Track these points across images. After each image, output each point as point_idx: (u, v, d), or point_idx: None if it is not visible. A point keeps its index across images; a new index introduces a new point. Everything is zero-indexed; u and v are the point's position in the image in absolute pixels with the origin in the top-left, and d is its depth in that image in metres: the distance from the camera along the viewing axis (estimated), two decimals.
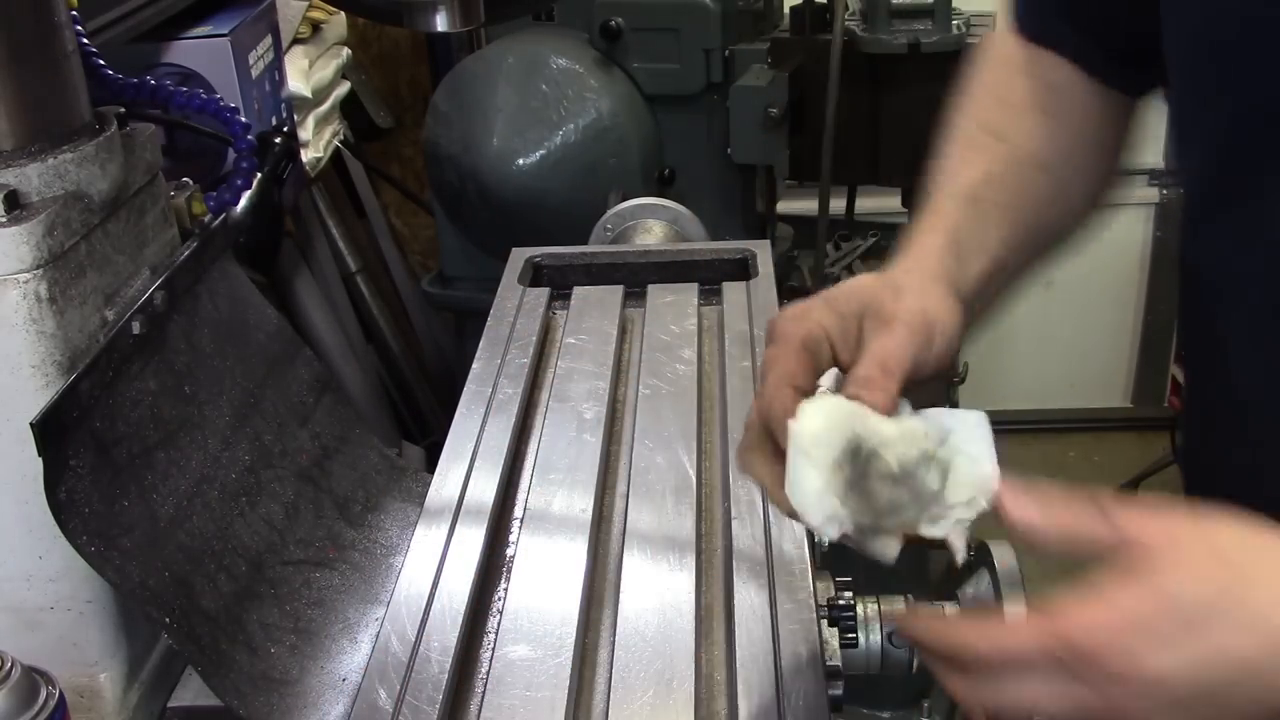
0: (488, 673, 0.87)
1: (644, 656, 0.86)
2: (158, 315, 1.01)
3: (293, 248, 2.36)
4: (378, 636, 0.90)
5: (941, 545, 0.75)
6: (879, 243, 2.56)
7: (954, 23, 2.13)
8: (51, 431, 0.85)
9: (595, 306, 1.37)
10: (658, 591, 0.93)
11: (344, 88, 2.54)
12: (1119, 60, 0.99)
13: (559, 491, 1.05)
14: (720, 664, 0.89)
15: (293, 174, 1.91)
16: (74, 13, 0.98)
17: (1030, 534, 0.70)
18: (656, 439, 1.11)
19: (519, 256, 1.48)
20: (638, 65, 2.30)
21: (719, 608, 0.94)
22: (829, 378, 0.81)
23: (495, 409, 1.17)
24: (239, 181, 1.22)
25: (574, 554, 0.98)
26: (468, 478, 1.07)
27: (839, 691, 0.86)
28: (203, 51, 1.82)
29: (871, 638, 1.01)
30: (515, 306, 1.37)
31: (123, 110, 1.01)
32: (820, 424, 0.74)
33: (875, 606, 1.03)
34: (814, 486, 0.73)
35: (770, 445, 0.78)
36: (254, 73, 1.92)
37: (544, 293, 1.40)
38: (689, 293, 1.38)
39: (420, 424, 2.78)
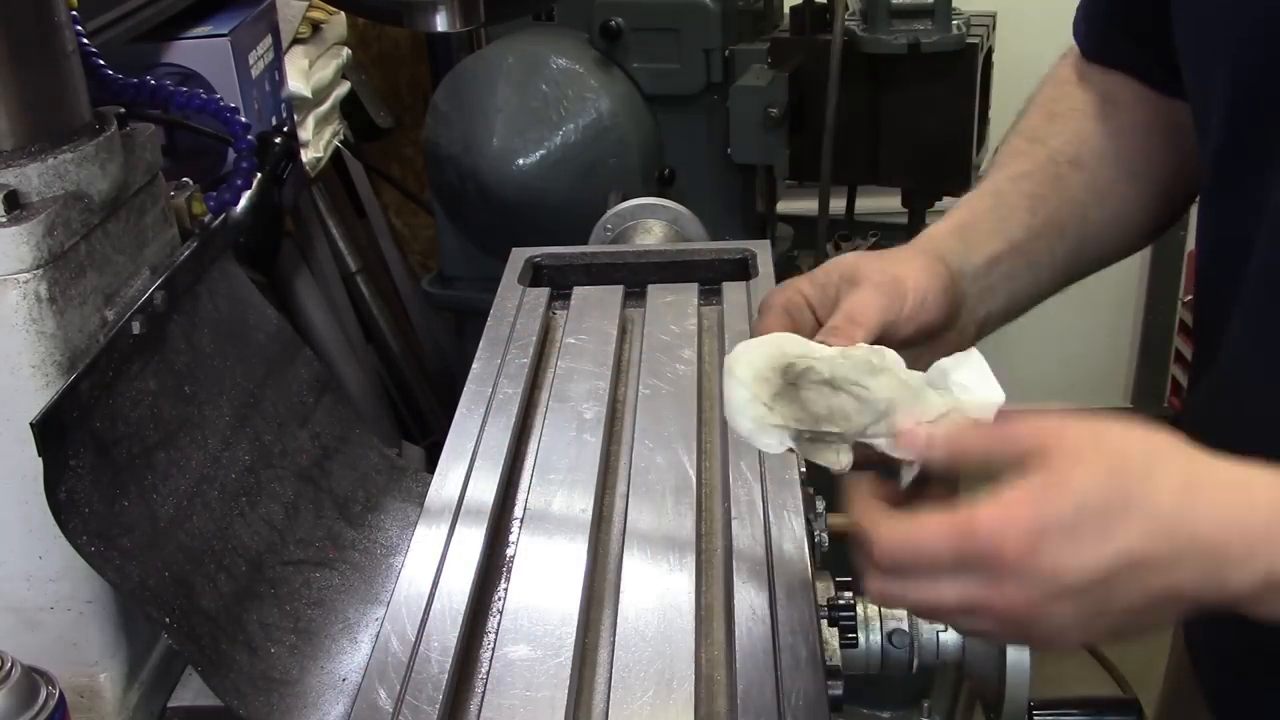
0: (488, 673, 0.87)
1: (644, 656, 0.86)
2: (158, 315, 1.01)
3: (293, 248, 2.36)
4: (378, 636, 0.90)
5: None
6: (879, 243, 2.56)
7: (954, 23, 2.13)
8: (51, 431, 0.85)
9: (595, 306, 1.37)
10: (658, 591, 0.93)
11: (344, 88, 2.54)
12: (1177, 69, 0.99)
13: (559, 491, 1.05)
14: (720, 664, 0.89)
15: (293, 174, 1.91)
16: (74, 13, 0.98)
17: (935, 456, 0.74)
18: (656, 439, 1.11)
19: (519, 256, 1.47)
20: (638, 65, 2.30)
21: (719, 608, 0.94)
22: None
23: (495, 409, 1.17)
24: (239, 181, 1.22)
25: (574, 554, 0.98)
26: (468, 478, 1.07)
27: (839, 691, 0.85)
28: (203, 51, 1.82)
29: (871, 638, 1.01)
30: (515, 306, 1.37)
31: (123, 110, 1.01)
32: (749, 348, 0.78)
33: (875, 606, 1.03)
34: (739, 396, 0.78)
35: None
36: (254, 73, 1.92)
37: (544, 293, 1.40)
38: (689, 293, 1.38)
39: (420, 424, 2.78)
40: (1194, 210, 1.00)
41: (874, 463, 0.78)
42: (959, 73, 2.16)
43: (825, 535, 1.07)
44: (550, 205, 2.21)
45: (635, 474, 1.06)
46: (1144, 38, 0.98)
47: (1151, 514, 0.67)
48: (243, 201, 1.25)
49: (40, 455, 0.85)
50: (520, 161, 2.21)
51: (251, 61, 1.91)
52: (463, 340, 2.51)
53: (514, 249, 1.50)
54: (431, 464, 1.11)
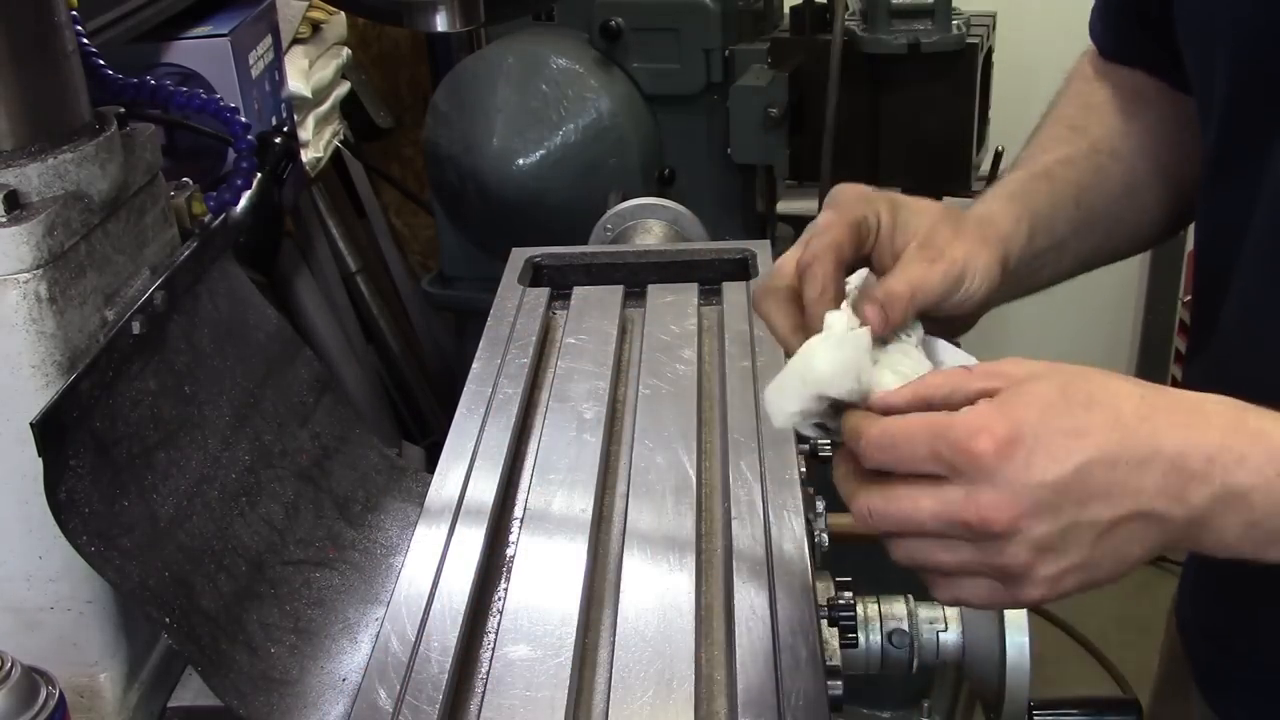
0: (488, 673, 0.87)
1: (644, 656, 0.86)
2: (158, 315, 1.01)
3: (293, 248, 2.36)
4: (378, 636, 0.90)
5: None
6: None
7: (954, 23, 2.13)
8: (51, 431, 0.85)
9: (595, 306, 1.37)
10: (658, 591, 0.93)
11: (344, 88, 2.54)
12: None
13: (559, 491, 1.05)
14: (720, 664, 0.89)
15: (293, 174, 1.91)
16: (74, 13, 0.98)
17: (899, 402, 0.75)
18: (656, 439, 1.11)
19: (519, 256, 1.47)
20: (638, 65, 2.30)
21: (719, 608, 0.94)
22: (858, 277, 0.85)
23: (495, 409, 1.17)
24: (239, 181, 1.22)
25: (574, 554, 0.98)
26: (468, 478, 1.07)
27: (839, 691, 0.86)
28: (203, 51, 1.82)
29: (871, 638, 1.01)
30: (515, 306, 1.37)
31: (123, 110, 1.01)
32: (827, 369, 0.78)
33: (875, 606, 1.03)
34: (790, 409, 0.80)
35: (792, 295, 0.84)
36: (254, 73, 1.92)
37: (544, 293, 1.40)
38: (689, 293, 1.38)
39: (420, 424, 2.78)
40: None
41: None
42: (959, 73, 2.16)
43: (825, 535, 1.07)
44: (550, 205, 2.21)
45: (635, 474, 1.06)
46: (1159, 34, 0.98)
47: (1115, 416, 0.70)
48: (243, 201, 1.25)
49: (40, 455, 0.85)
50: (520, 161, 2.21)
51: (251, 61, 1.91)
52: (463, 340, 2.51)
53: (514, 249, 1.50)
54: (431, 464, 1.11)
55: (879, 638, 1.02)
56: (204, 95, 1.22)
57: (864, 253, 0.86)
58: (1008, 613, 1.02)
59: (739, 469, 1.05)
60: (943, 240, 0.86)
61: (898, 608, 1.03)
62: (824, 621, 0.93)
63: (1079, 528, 0.70)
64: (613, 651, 0.87)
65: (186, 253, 1.08)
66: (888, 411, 0.76)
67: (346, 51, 2.53)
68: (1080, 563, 0.71)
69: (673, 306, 1.35)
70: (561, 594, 0.93)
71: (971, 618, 1.03)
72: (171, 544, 0.96)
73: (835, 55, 2.08)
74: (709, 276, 1.42)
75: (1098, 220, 1.01)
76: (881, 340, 0.81)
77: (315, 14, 2.38)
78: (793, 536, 0.97)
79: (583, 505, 1.03)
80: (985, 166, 2.27)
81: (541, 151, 2.22)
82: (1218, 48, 0.88)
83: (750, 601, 0.90)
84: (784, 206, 2.51)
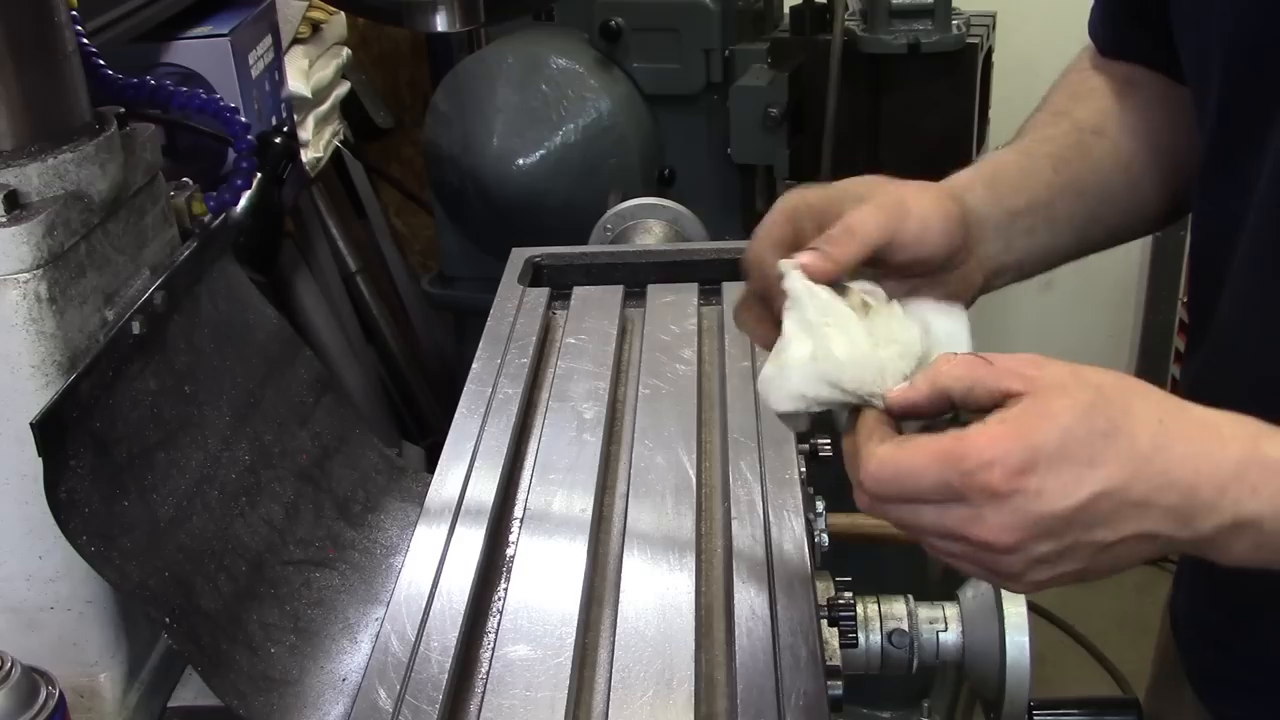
0: (488, 673, 0.87)
1: (644, 656, 0.86)
2: (158, 315, 1.01)
3: (293, 248, 2.36)
4: (378, 636, 0.90)
5: None
6: None
7: (954, 23, 2.13)
8: (51, 431, 0.85)
9: (595, 306, 1.37)
10: (658, 591, 0.93)
11: (344, 88, 2.54)
12: None
13: (559, 491, 1.05)
14: (720, 664, 0.89)
15: (293, 174, 1.91)
16: (74, 13, 0.98)
17: (919, 397, 0.75)
18: (656, 439, 1.11)
19: (519, 256, 1.48)
20: (638, 65, 2.30)
21: (719, 608, 0.94)
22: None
23: (495, 409, 1.17)
24: (239, 181, 1.21)
25: (574, 554, 0.98)
26: (468, 478, 1.07)
27: (839, 691, 0.86)
28: (203, 51, 1.82)
29: (871, 638, 1.01)
30: (515, 306, 1.37)
31: (123, 110, 1.01)
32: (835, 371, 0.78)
33: (875, 606, 1.03)
34: (784, 409, 0.80)
35: (759, 303, 0.87)
36: (254, 73, 1.92)
37: (544, 293, 1.40)
38: (689, 293, 1.38)
39: (420, 424, 2.77)
40: None
41: None
42: (959, 73, 2.16)
43: (825, 535, 1.07)
44: (550, 205, 2.21)
45: (635, 474, 1.06)
46: (1159, 33, 0.99)
47: (1131, 447, 0.70)
48: (243, 201, 1.25)
49: (40, 455, 0.85)
50: (520, 161, 2.21)
51: (251, 61, 1.91)
52: (463, 340, 2.51)
53: (514, 249, 1.50)
54: (431, 464, 1.11)
55: (879, 638, 1.02)
56: (204, 95, 1.22)
57: (809, 236, 0.86)
58: (1008, 613, 1.02)
59: (739, 469, 1.05)
60: (875, 189, 0.88)
61: (898, 608, 1.03)
62: (824, 621, 0.93)
63: (1080, 546, 0.70)
64: (613, 651, 0.87)
65: (186, 253, 1.08)
66: (908, 412, 0.76)
67: (346, 51, 2.53)
68: (1075, 571, 0.72)
69: (673, 306, 1.35)
70: (561, 594, 0.93)
71: (971, 618, 1.03)
72: (171, 544, 0.96)
73: (835, 55, 2.08)
74: (709, 276, 1.42)
75: (1085, 190, 1.00)
76: (863, 306, 0.81)
77: (315, 14, 2.38)
78: (793, 536, 0.97)
79: (583, 505, 1.03)
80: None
81: (541, 151, 2.21)
82: (1213, 45, 0.89)
83: (750, 601, 0.90)
84: None
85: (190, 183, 1.15)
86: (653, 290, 1.40)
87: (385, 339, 2.73)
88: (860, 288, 0.83)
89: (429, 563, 0.97)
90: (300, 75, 2.26)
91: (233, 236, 1.21)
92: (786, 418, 0.82)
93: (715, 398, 1.20)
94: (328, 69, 2.40)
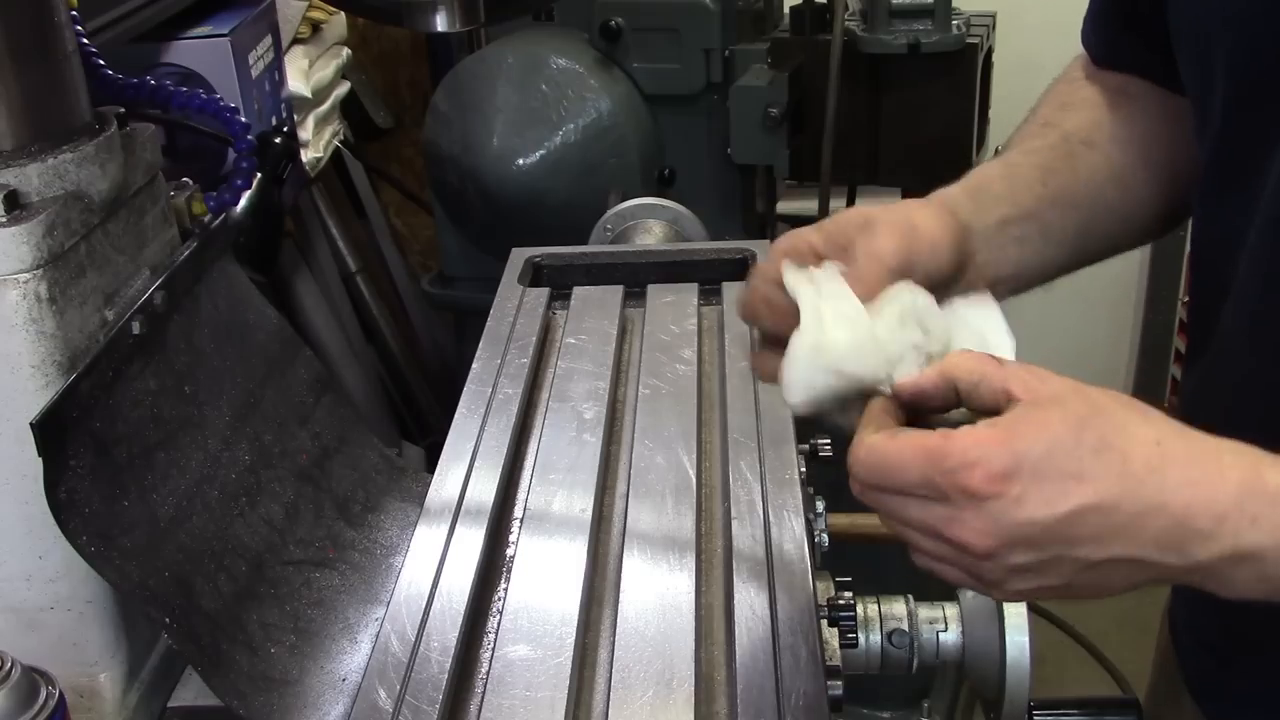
0: (488, 673, 0.87)
1: (644, 656, 0.86)
2: (158, 315, 1.01)
3: (293, 248, 2.36)
4: (378, 636, 0.90)
5: None
6: None
7: (954, 23, 2.13)
8: (51, 431, 0.85)
9: (595, 306, 1.37)
10: (658, 591, 0.93)
11: (344, 88, 2.54)
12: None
13: (559, 491, 1.05)
14: (720, 664, 0.89)
15: (293, 174, 1.91)
16: (74, 13, 0.98)
17: (927, 386, 0.75)
18: (656, 439, 1.11)
19: (519, 256, 1.48)
20: (638, 65, 2.30)
21: (719, 608, 0.94)
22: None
23: (495, 409, 1.17)
24: (239, 181, 1.21)
25: (574, 554, 0.98)
26: (468, 478, 1.07)
27: (839, 691, 0.85)
28: (203, 51, 1.82)
29: (871, 638, 1.01)
30: (515, 306, 1.37)
31: (123, 110, 1.01)
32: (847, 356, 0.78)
33: (875, 606, 1.03)
34: (795, 400, 0.80)
35: (773, 343, 0.85)
36: (254, 73, 1.92)
37: (544, 293, 1.40)
38: (689, 293, 1.38)
39: (420, 424, 2.77)
40: None
41: None
42: (959, 73, 2.16)
43: (825, 535, 1.07)
44: (550, 205, 2.21)
45: (635, 474, 1.06)
46: (1153, 41, 0.98)
47: (1123, 465, 0.68)
48: (243, 201, 1.25)
49: (40, 455, 0.85)
50: (520, 161, 2.21)
51: (251, 61, 1.91)
52: (463, 340, 2.51)
53: (514, 249, 1.50)
54: (431, 464, 1.11)
55: (879, 638, 1.02)
56: (204, 95, 1.22)
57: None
58: (1008, 612, 1.02)
59: (739, 469, 1.05)
60: (879, 214, 0.88)
61: (898, 608, 1.03)
62: (824, 621, 0.92)
63: (1061, 561, 0.69)
64: (613, 651, 0.87)
65: (186, 253, 1.08)
66: (916, 399, 0.76)
67: (346, 51, 2.53)
68: (1057, 586, 0.71)
69: (673, 306, 1.35)
70: (561, 594, 0.93)
71: (971, 617, 1.03)
72: (171, 544, 0.96)
73: (835, 55, 2.08)
74: (709, 276, 1.42)
75: (1078, 200, 1.00)
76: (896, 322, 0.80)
77: (315, 14, 2.38)
78: (793, 536, 0.97)
79: (583, 505, 1.03)
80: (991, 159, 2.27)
81: (541, 151, 2.21)
82: (1216, 55, 0.88)
83: (750, 601, 0.90)
84: (784, 206, 2.51)
85: (190, 183, 1.15)
86: (653, 290, 1.40)
87: (385, 339, 2.73)
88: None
89: (429, 563, 0.97)
90: (300, 75, 2.26)
91: (233, 236, 1.21)
92: (807, 407, 0.82)
93: (715, 398, 1.20)
94: (328, 69, 2.40)
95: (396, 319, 2.80)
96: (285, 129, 2.02)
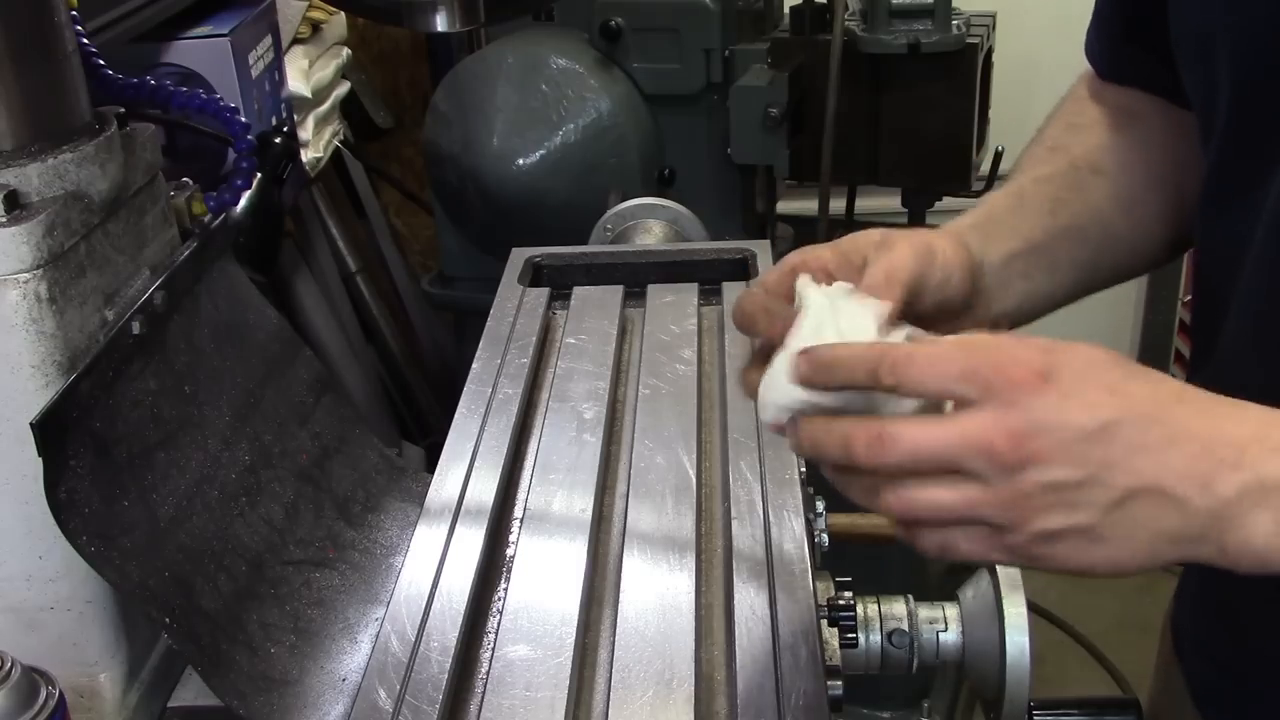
0: (488, 673, 0.87)
1: (644, 656, 0.86)
2: (158, 315, 1.01)
3: (293, 248, 2.36)
4: (378, 636, 0.90)
5: None
6: None
7: (954, 23, 2.13)
8: (51, 431, 0.85)
9: (595, 306, 1.37)
10: (658, 591, 0.93)
11: (344, 88, 2.54)
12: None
13: (559, 491, 1.05)
14: (720, 664, 0.89)
15: (293, 174, 1.91)
16: (74, 13, 0.98)
17: (919, 379, 0.72)
18: (656, 439, 1.11)
19: (519, 256, 1.48)
20: (638, 65, 2.30)
21: (719, 608, 0.94)
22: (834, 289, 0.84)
23: (495, 409, 1.17)
24: (239, 181, 1.21)
25: (574, 554, 0.98)
26: (468, 478, 1.07)
27: (839, 691, 0.85)
28: (203, 51, 1.82)
29: (871, 638, 1.01)
30: (515, 306, 1.37)
31: (123, 110, 1.01)
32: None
33: (875, 606, 1.03)
34: (767, 418, 0.78)
35: (760, 356, 0.83)
36: (254, 73, 1.92)
37: (544, 293, 1.40)
38: (689, 293, 1.38)
39: (420, 424, 2.78)
40: None
41: None
42: (959, 73, 2.16)
43: (825, 535, 1.07)
44: (550, 205, 2.21)
45: (635, 474, 1.06)
46: (1158, 53, 0.97)
47: (1153, 391, 0.70)
48: (243, 201, 1.25)
49: (40, 455, 0.85)
50: (520, 161, 2.21)
51: (251, 61, 1.91)
52: (463, 340, 2.51)
53: (514, 249, 1.50)
54: (431, 464, 1.11)
55: (879, 638, 1.02)
56: (204, 95, 1.22)
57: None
58: (1008, 613, 1.01)
59: (739, 469, 1.05)
60: (898, 233, 0.87)
61: (898, 608, 1.03)
62: (824, 621, 0.92)
63: (1095, 485, 0.68)
64: (613, 651, 0.87)
65: (186, 253, 1.08)
66: (929, 355, 0.73)
67: (346, 51, 2.53)
68: (1085, 526, 0.69)
69: (673, 306, 1.35)
70: (561, 594, 0.93)
71: (971, 618, 1.03)
72: (171, 544, 0.96)
73: (835, 55, 2.08)
74: (709, 276, 1.42)
75: (1086, 232, 0.99)
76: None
77: (315, 14, 2.38)
78: (793, 536, 0.97)
79: (583, 505, 1.03)
80: (985, 166, 2.27)
81: (541, 151, 2.21)
82: (1217, 55, 0.87)
83: (750, 601, 0.90)
84: (784, 206, 2.51)
85: (190, 183, 1.15)
86: (653, 290, 1.40)
87: (385, 339, 2.73)
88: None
89: (429, 563, 0.97)
90: (300, 75, 2.26)
91: (233, 236, 1.21)
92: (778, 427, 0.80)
93: (715, 398, 1.20)
94: (328, 69, 2.40)
95: (396, 319, 2.81)
96: (285, 129, 2.02)
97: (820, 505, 1.08)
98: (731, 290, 1.38)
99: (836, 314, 0.78)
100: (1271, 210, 0.85)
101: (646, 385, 1.20)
